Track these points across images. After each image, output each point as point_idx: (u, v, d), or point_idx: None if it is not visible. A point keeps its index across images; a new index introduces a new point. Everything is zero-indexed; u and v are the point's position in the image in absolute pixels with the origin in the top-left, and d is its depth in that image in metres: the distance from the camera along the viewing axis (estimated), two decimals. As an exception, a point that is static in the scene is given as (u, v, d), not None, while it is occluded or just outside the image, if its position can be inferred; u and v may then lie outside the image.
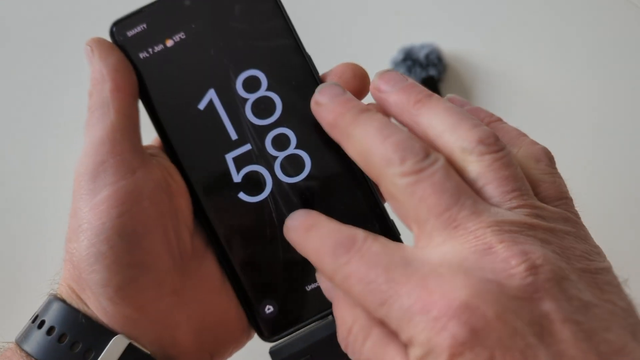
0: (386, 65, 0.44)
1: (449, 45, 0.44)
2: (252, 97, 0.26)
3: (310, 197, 0.26)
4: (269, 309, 0.26)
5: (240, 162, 0.26)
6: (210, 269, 0.26)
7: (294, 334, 0.26)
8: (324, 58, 0.48)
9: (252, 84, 0.26)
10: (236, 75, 0.26)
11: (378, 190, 0.25)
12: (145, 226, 0.24)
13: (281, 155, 0.26)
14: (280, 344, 0.26)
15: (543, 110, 0.44)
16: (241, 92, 0.26)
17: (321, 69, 0.41)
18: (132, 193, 0.24)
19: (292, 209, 0.25)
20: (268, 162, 0.26)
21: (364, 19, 0.46)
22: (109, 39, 0.26)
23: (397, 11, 0.46)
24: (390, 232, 0.25)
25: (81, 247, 0.23)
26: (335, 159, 0.25)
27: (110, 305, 0.23)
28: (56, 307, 0.23)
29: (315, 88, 0.25)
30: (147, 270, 0.24)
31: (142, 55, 0.26)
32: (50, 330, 0.23)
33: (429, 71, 0.43)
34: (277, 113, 0.26)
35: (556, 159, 0.47)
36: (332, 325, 0.25)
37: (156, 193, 0.24)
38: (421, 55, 0.43)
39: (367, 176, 0.23)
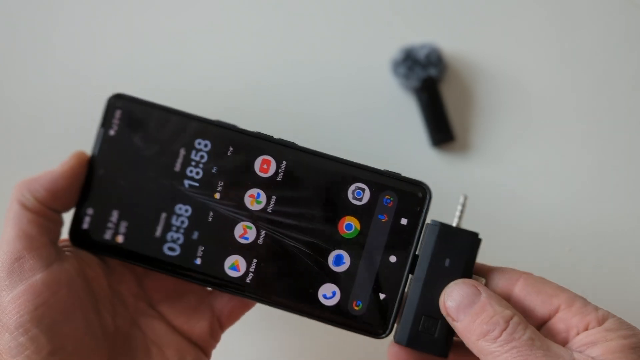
0: (386, 65, 0.44)
1: (449, 45, 0.44)
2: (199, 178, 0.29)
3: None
4: (358, 310, 0.28)
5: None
6: (138, 342, 0.28)
7: (395, 314, 0.28)
8: (324, 58, 0.48)
9: (194, 177, 0.29)
10: (179, 190, 0.29)
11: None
12: (64, 313, 0.25)
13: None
14: (395, 330, 0.28)
15: (543, 110, 0.44)
16: (187, 185, 0.29)
17: (322, 70, 0.42)
18: (49, 284, 0.25)
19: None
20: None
21: (364, 18, 0.45)
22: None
23: (397, 11, 0.46)
24: None
25: (3, 341, 0.24)
26: None
27: None
28: None
29: (235, 138, 0.29)
30: (69, 354, 0.25)
31: (107, 236, 0.29)
32: None
33: (429, 71, 0.43)
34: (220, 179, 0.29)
35: (557, 160, 0.47)
36: (418, 281, 0.27)
37: (72, 281, 0.26)
38: (421, 55, 0.43)
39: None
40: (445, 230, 0.28)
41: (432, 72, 0.43)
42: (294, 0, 0.46)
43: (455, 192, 0.43)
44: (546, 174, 0.43)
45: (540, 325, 0.27)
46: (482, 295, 0.26)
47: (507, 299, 0.27)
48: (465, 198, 0.29)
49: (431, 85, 0.43)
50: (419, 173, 0.43)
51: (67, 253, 0.28)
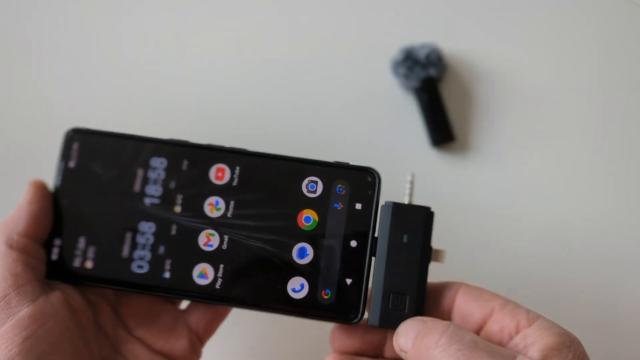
0: (386, 65, 0.44)
1: (449, 45, 0.44)
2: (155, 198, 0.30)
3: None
4: (328, 298, 0.29)
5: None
6: None
7: (364, 297, 0.29)
8: (325, 58, 0.48)
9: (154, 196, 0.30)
10: (140, 209, 0.30)
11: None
12: (52, 344, 0.26)
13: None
14: (369, 314, 0.28)
15: (543, 110, 0.44)
16: (148, 204, 0.30)
17: (322, 70, 0.42)
18: (35, 317, 0.26)
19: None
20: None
21: (363, 18, 0.45)
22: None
23: (397, 11, 0.46)
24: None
25: None
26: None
27: None
28: None
29: (193, 151, 0.30)
30: None
31: (76, 264, 0.30)
32: None
33: (429, 71, 0.43)
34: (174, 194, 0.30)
35: (557, 160, 0.47)
36: (381, 261, 0.28)
37: (58, 312, 0.27)
38: (421, 55, 0.43)
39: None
40: (398, 209, 0.29)
41: (432, 72, 0.43)
42: (293, 1, 0.46)
43: (455, 193, 0.43)
44: (546, 174, 0.43)
45: (478, 330, 0.28)
46: (427, 320, 0.27)
47: (451, 308, 0.29)
48: (413, 175, 0.30)
49: (431, 85, 0.43)
50: (419, 173, 0.43)
51: (51, 288, 0.29)
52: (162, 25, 0.45)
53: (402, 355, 0.27)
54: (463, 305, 0.28)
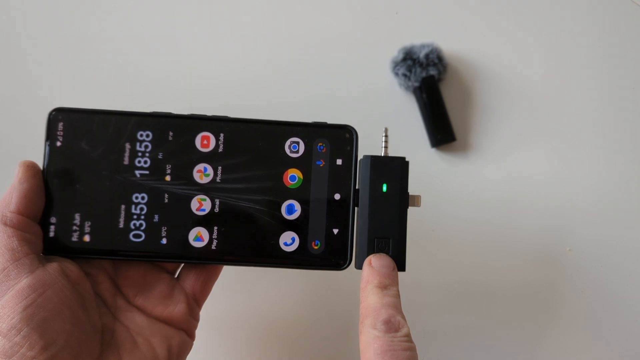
0: (386, 65, 0.44)
1: (449, 45, 0.44)
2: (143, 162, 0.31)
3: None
4: (318, 249, 0.31)
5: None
6: (124, 335, 0.31)
7: (351, 243, 0.31)
8: (325, 58, 0.48)
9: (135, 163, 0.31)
10: (132, 180, 0.31)
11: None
12: (52, 311, 0.28)
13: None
14: (356, 259, 0.31)
15: (544, 110, 0.44)
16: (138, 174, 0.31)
17: (322, 70, 0.42)
18: (34, 287, 0.28)
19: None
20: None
21: (364, 18, 0.46)
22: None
23: (397, 11, 0.46)
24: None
25: None
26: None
27: None
28: None
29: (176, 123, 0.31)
30: (61, 347, 0.27)
31: (74, 238, 0.31)
32: None
33: (429, 71, 0.43)
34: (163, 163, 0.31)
35: (557, 160, 0.47)
36: (364, 210, 0.30)
37: (57, 282, 0.28)
38: (421, 55, 0.43)
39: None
40: (376, 161, 0.31)
41: (432, 72, 0.43)
42: (293, 1, 0.46)
43: (455, 193, 0.43)
44: (546, 174, 0.43)
45: None
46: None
47: None
48: (387, 129, 0.32)
49: (431, 84, 0.43)
50: (419, 173, 0.43)
51: (49, 260, 0.30)
52: (148, 14, 0.45)
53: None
54: None
